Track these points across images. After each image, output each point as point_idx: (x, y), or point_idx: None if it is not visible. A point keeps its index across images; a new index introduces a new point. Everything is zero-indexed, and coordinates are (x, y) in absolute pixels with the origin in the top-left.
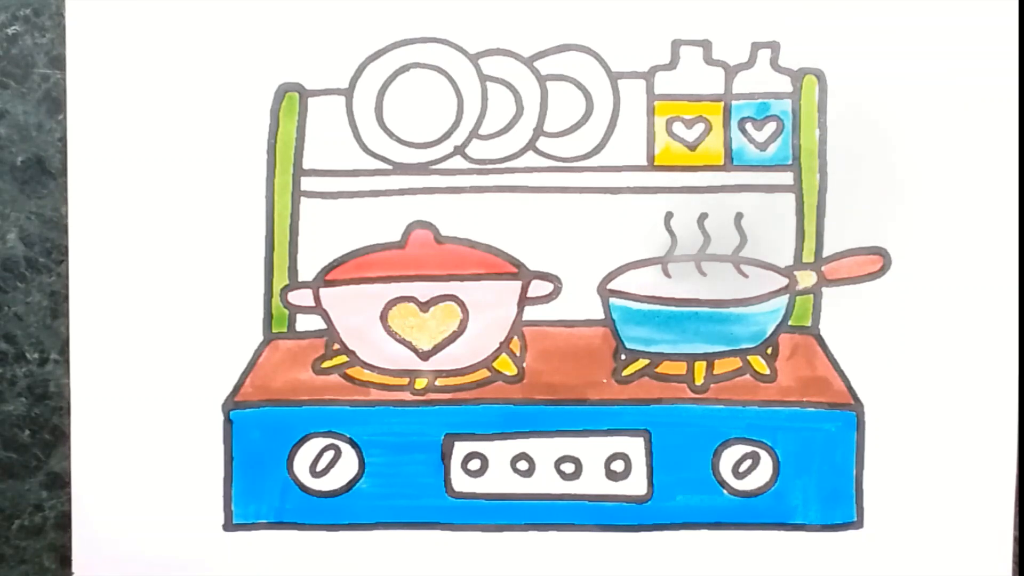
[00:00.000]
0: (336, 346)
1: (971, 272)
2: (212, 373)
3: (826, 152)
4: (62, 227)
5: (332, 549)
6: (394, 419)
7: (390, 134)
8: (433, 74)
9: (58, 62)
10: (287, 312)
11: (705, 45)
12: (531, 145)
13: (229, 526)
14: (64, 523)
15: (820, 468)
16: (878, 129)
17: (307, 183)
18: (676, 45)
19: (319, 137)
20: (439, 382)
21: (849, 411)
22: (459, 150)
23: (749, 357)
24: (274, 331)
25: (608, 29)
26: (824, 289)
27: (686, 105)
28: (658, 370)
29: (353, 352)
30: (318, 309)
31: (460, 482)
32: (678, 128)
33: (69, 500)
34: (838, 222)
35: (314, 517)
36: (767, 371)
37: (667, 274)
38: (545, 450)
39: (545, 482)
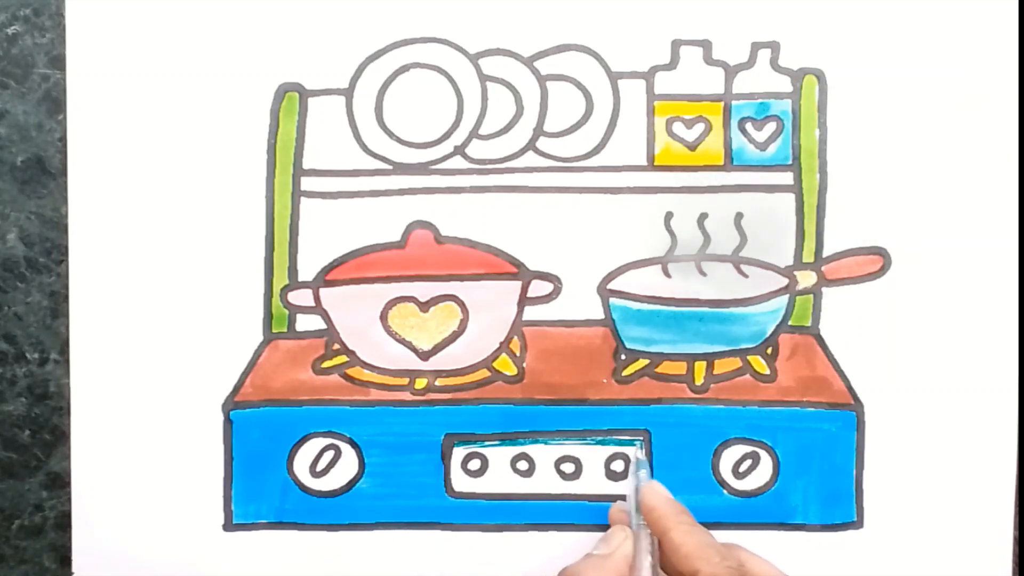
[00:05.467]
0: (336, 346)
1: (971, 272)
2: (212, 373)
3: (826, 152)
4: (62, 227)
5: (332, 549)
6: (394, 419)
7: (390, 134)
8: (433, 74)
9: (58, 62)
10: (287, 312)
11: (705, 45)
12: (531, 145)
13: (229, 526)
14: (64, 523)
15: (820, 468)
16: (878, 129)
17: (307, 183)
18: (676, 45)
19: (319, 137)
20: (439, 382)
21: (849, 411)
22: (459, 150)
23: (749, 357)
24: (274, 331)
25: (608, 29)
26: (824, 289)
27: (686, 105)
28: (658, 370)
29: (353, 352)
30: (318, 309)
31: (460, 482)
32: (678, 128)
33: (69, 500)
34: (838, 222)
35: (314, 517)
36: (767, 371)
37: (667, 274)
38: (545, 450)
39: (545, 482)
